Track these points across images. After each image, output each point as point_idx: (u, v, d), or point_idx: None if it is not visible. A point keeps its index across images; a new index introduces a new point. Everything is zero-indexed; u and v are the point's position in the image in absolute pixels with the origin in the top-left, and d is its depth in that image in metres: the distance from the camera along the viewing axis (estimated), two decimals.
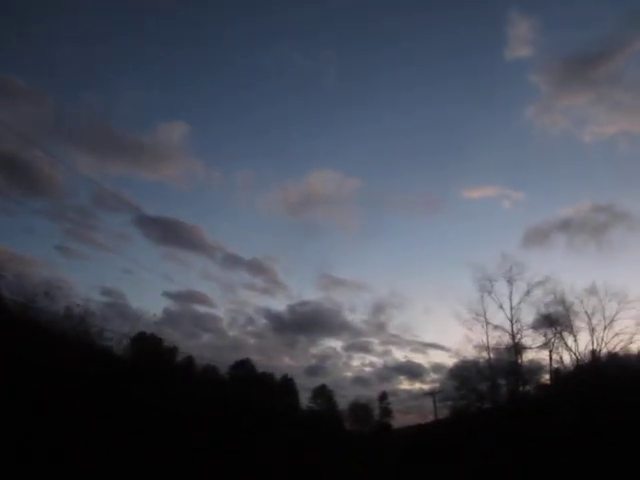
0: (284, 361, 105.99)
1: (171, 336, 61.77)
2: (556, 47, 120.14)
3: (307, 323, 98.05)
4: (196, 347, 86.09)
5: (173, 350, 56.11)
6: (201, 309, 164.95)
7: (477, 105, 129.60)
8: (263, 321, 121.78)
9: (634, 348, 48.98)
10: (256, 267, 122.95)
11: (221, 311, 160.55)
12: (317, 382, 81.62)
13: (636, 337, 46.64)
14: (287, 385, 71.59)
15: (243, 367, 65.97)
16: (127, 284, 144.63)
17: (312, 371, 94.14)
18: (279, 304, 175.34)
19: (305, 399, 76.98)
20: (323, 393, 77.21)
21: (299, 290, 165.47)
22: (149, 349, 47.63)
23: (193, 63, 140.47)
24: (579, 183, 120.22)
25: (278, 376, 71.45)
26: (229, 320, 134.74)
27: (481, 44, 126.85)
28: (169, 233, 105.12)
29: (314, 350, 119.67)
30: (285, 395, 67.87)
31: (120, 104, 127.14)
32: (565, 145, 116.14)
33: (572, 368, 50.15)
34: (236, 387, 59.52)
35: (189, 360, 57.95)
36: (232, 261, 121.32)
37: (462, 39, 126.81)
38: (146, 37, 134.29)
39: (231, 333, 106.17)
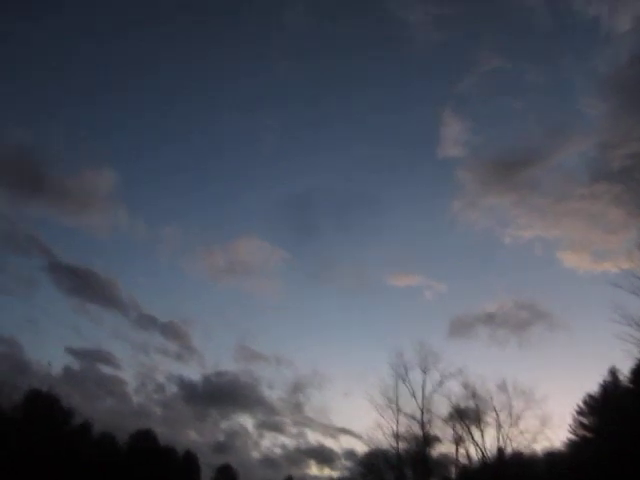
0: (190, 435, 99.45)
1: (69, 397, 57.17)
2: (484, 149, 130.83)
3: (220, 395, 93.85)
4: (96, 411, 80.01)
5: (69, 412, 52.18)
6: (106, 370, 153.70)
7: (407, 195, 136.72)
8: (173, 389, 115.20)
9: (537, 447, 50.92)
10: (171, 330, 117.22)
11: (128, 374, 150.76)
12: (223, 460, 77.18)
13: (540, 437, 48.58)
14: (189, 461, 67.38)
15: (145, 438, 61.73)
16: (28, 335, 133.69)
17: (219, 448, 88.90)
18: (192, 372, 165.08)
19: (207, 478, 72.63)
20: (227, 473, 73.07)
21: (215, 360, 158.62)
22: (43, 409, 44.18)
23: (130, 111, 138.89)
24: (499, 280, 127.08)
25: (181, 451, 67.20)
26: (136, 385, 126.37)
27: (417, 138, 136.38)
28: (82, 283, 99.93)
29: (224, 425, 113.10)
30: (186, 472, 63.77)
31: (48, 143, 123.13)
32: (486, 242, 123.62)
33: (478, 464, 51.01)
34: (134, 460, 55.53)
35: (86, 425, 53.90)
36: (146, 321, 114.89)
37: (402, 134, 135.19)
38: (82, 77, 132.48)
39: (136, 399, 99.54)
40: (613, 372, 49.81)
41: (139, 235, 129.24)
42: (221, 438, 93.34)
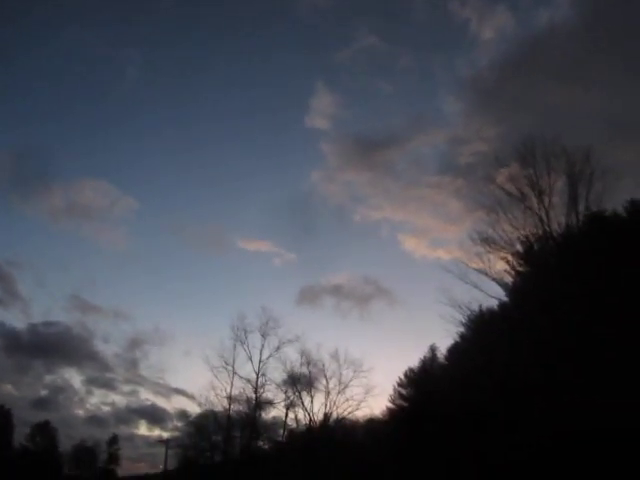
0: (6, 389, 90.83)
1: None
2: (350, 125, 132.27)
3: (46, 347, 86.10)
4: None
5: None
6: None
7: (270, 161, 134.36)
8: None
9: (360, 415, 54.70)
10: None
11: None
12: (43, 417, 71.52)
13: (363, 404, 52.23)
14: (2, 417, 61.71)
15: None
16: None
17: (40, 404, 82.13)
18: (15, 320, 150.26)
19: (23, 435, 67.15)
20: (45, 431, 68.15)
21: (45, 308, 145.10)
22: None
23: None
24: (348, 254, 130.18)
25: None
26: None
27: (287, 106, 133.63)
28: None
29: (48, 379, 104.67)
30: None
31: None
32: (339, 217, 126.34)
33: (304, 428, 53.44)
34: None
35: None
36: None
37: (272, 100, 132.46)
38: None
39: None
40: (433, 349, 54.81)
41: None
42: (43, 393, 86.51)
